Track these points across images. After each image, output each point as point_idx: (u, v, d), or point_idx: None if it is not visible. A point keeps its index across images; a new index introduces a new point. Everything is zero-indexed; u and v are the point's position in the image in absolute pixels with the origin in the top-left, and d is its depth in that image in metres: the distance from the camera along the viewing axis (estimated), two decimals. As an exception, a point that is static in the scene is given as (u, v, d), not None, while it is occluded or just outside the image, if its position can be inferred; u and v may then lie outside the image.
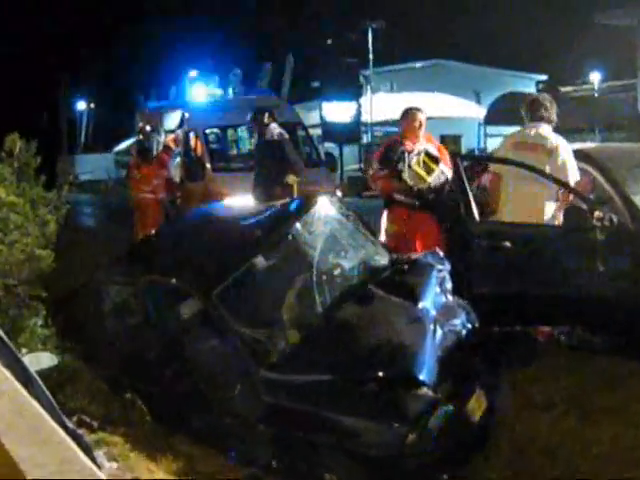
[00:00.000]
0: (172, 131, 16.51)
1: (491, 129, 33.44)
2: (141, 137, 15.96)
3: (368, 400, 5.66)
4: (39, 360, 5.52)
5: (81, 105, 52.79)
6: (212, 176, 15.05)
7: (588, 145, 10.56)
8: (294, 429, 5.88)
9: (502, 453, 6.09)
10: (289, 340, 6.32)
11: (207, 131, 16.32)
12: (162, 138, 16.37)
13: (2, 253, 7.32)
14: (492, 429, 6.32)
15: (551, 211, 7.67)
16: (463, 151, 30.46)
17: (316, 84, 35.49)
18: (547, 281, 7.34)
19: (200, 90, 18.78)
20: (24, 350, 6.73)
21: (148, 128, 15.76)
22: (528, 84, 41.85)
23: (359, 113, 31.94)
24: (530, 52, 47.75)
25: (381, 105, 33.87)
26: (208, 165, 15.26)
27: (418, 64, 44.90)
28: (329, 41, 36.39)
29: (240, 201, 11.65)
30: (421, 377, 5.65)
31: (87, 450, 3.74)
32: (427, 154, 8.55)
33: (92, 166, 40.03)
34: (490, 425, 6.29)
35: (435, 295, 6.72)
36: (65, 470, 2.45)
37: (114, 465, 5.72)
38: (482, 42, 47.01)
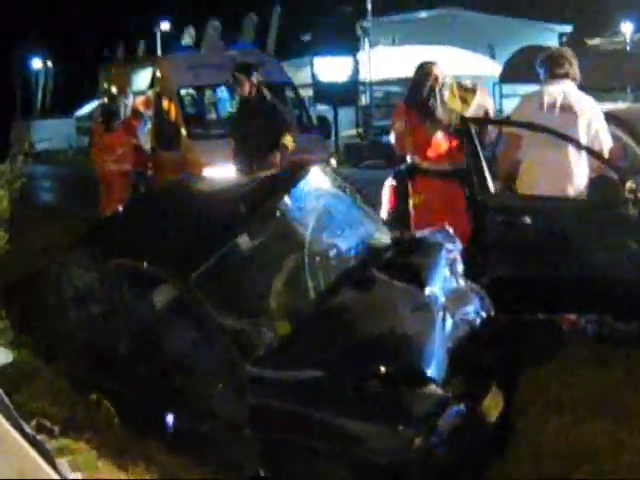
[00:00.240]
0: (142, 92, 16.47)
1: (507, 88, 33.32)
2: (106, 100, 15.95)
3: (369, 399, 5.65)
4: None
5: (36, 63, 52.53)
6: (188, 144, 15.04)
7: (619, 106, 10.56)
8: (284, 433, 5.88)
9: (522, 458, 6.11)
10: (278, 331, 6.32)
11: (182, 92, 16.29)
12: (130, 101, 16.33)
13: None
14: (510, 431, 6.34)
15: (582, 183, 7.65)
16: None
17: (307, 37, 35.39)
18: (572, 262, 7.34)
19: (173, 45, 18.76)
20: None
21: (114, 89, 15.73)
22: (550, 36, 41.84)
23: (356, 71, 31.76)
24: (552, -1, 47.61)
25: (381, 61, 33.77)
26: (183, 131, 15.25)
27: (423, 14, 44.81)
28: (321, -13, 36.25)
29: (220, 172, 11.64)
30: (429, 372, 5.66)
31: (48, 458, 3.75)
32: (459, 84, 8.60)
33: (50, 133, 39.87)
34: (508, 427, 6.32)
35: (444, 279, 6.73)
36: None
37: (79, 475, 5.71)
38: (497, -13, 46.84)
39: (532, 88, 9.09)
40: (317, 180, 7.55)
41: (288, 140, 10.69)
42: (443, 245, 7.04)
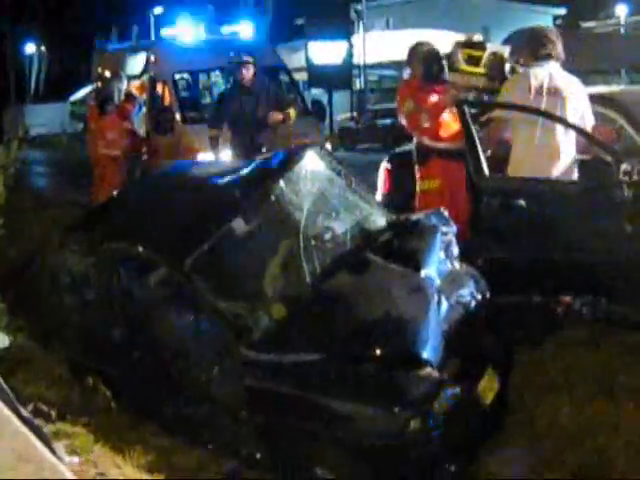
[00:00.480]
0: (135, 77, 16.43)
1: (502, 71, 33.21)
2: (100, 84, 15.89)
3: (364, 382, 5.65)
4: (-11, 340, 5.54)
5: (30, 48, 52.30)
6: (182, 128, 15.03)
7: (613, 88, 10.53)
8: (280, 416, 5.89)
9: (518, 440, 6.13)
10: (273, 315, 6.32)
11: (176, 76, 16.25)
12: (124, 85, 16.28)
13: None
14: (506, 413, 6.36)
15: (570, 165, 7.66)
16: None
17: (300, 21, 35.27)
18: (566, 245, 7.35)
19: (168, 30, 18.71)
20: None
21: (108, 74, 15.68)
22: (544, 19, 41.70)
23: (350, 54, 31.71)
24: (546, -19, 47.45)
25: (375, 45, 33.69)
26: (178, 116, 15.24)
27: (418, -4, 44.62)
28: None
29: (215, 156, 11.62)
30: (424, 355, 5.66)
31: (46, 442, 3.75)
32: (465, 45, 8.56)
33: (44, 118, 39.69)
34: (504, 409, 6.33)
35: (439, 261, 6.73)
36: (22, 465, 2.45)
37: (75, 459, 5.73)
38: (491, -31, 46.64)
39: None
40: (312, 163, 7.52)
41: (292, 112, 11.33)
42: (438, 228, 7.04)
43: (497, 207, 7.62)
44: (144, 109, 15.81)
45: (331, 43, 30.57)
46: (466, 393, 5.81)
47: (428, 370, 5.64)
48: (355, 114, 31.61)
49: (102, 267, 7.11)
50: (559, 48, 7.80)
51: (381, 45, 32.88)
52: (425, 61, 8.89)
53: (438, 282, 6.45)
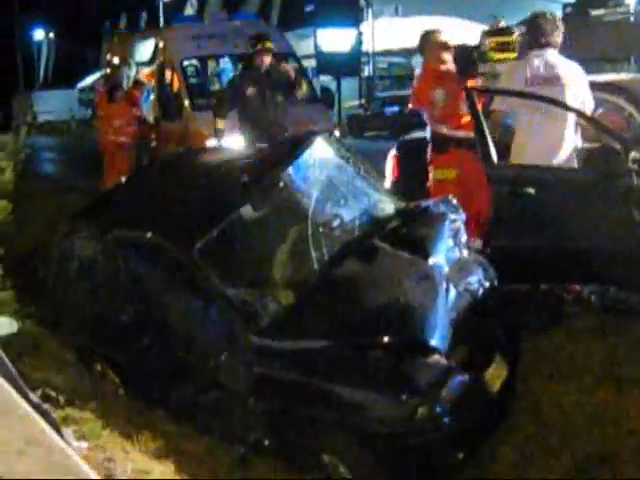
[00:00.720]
0: (144, 63, 16.42)
1: (511, 59, 33.11)
2: (108, 71, 15.89)
3: (372, 369, 5.65)
4: (-2, 325, 5.54)
5: (39, 34, 52.33)
6: (191, 115, 15.00)
7: (622, 76, 10.50)
8: (288, 403, 5.90)
9: (525, 428, 6.13)
10: (282, 301, 6.33)
11: (185, 63, 16.23)
12: (133, 72, 16.29)
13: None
14: (513, 401, 6.36)
15: (571, 153, 7.63)
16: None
17: (310, 8, 35.17)
18: (576, 233, 7.33)
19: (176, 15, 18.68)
20: (-22, 315, 6.75)
21: (116, 60, 15.67)
22: (554, 7, 41.50)
23: (359, 42, 31.61)
24: (556, -31, 47.21)
25: (384, 32, 33.58)
26: (186, 102, 15.21)
27: (427, -16, 44.46)
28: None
29: (224, 142, 11.61)
30: (432, 342, 5.67)
31: (55, 427, 3.76)
32: (492, 33, 8.51)
33: (53, 105, 39.75)
34: (511, 396, 6.33)
35: (448, 249, 6.72)
36: (32, 449, 2.47)
37: (84, 445, 5.74)
38: (501, -43, 46.45)
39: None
40: (321, 150, 7.51)
41: (301, 92, 11.74)
42: (447, 215, 7.02)
43: (506, 195, 7.59)
44: (152, 96, 15.79)
45: (340, 30, 30.46)
46: (474, 381, 5.80)
47: (436, 357, 5.65)
48: (364, 101, 31.54)
49: (110, 253, 7.12)
50: (558, 35, 7.74)
51: (390, 32, 32.74)
52: (458, 59, 8.80)
53: (446, 270, 6.44)
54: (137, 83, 15.68)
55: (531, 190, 7.42)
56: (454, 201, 7.30)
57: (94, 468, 4.42)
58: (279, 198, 7.09)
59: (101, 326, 7.18)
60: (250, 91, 11.19)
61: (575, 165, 7.64)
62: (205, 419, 6.42)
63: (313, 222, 6.79)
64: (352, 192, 7.34)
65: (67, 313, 7.52)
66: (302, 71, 17.62)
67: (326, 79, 31.18)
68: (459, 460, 5.69)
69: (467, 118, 8.40)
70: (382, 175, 8.85)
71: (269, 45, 11.29)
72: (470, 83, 8.50)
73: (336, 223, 7.00)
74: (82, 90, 40.33)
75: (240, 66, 13.04)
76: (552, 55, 7.68)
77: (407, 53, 31.47)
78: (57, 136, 32.82)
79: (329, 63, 30.33)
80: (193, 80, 17.06)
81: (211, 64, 17.77)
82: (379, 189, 7.69)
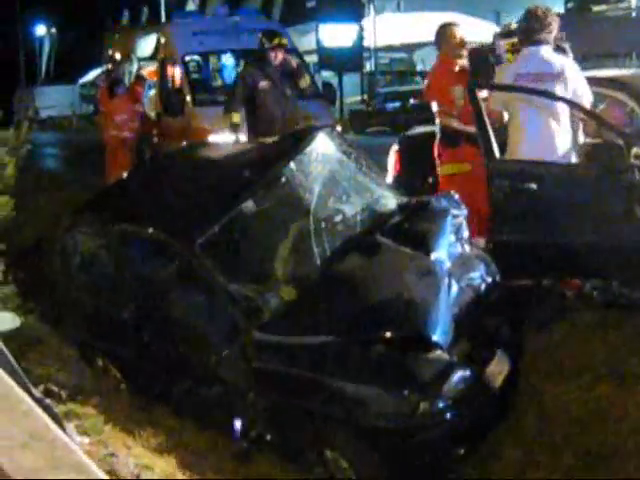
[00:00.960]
0: (145, 59, 16.41)
1: (512, 54, 33.06)
2: (110, 66, 15.88)
3: (374, 364, 5.66)
4: (0, 320, 5.55)
5: (40, 30, 52.33)
6: (193, 110, 14.99)
7: (624, 72, 10.49)
8: (290, 398, 5.91)
9: (526, 424, 6.13)
10: (284, 297, 6.33)
11: (187, 58, 16.22)
12: (135, 67, 16.29)
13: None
14: (515, 397, 6.36)
15: (569, 149, 7.61)
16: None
17: (311, 3, 35.16)
18: (577, 228, 7.33)
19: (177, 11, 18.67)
20: (-20, 311, 6.75)
21: (118, 56, 15.67)
22: (556, 2, 41.49)
23: (361, 37, 31.61)
24: (558, -36, 47.14)
25: (386, 27, 33.56)
26: (188, 98, 15.20)
27: (428, -21, 44.42)
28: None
29: (226, 138, 11.60)
30: (434, 337, 5.66)
31: (57, 422, 3.76)
32: (505, 35, 8.46)
33: (54, 100, 39.82)
34: (513, 392, 6.33)
35: (450, 244, 6.71)
36: (34, 443, 2.47)
37: (86, 440, 5.75)
38: (503, -49, 46.35)
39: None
40: (323, 145, 7.49)
41: (303, 82, 11.71)
42: (449, 211, 7.01)
43: (507, 190, 7.59)
44: (152, 90, 15.78)
45: (342, 26, 30.47)
46: (476, 376, 5.80)
47: (438, 353, 5.65)
48: (365, 97, 31.54)
49: (112, 248, 7.13)
50: (552, 31, 7.68)
51: (392, 28, 32.73)
52: (473, 63, 8.71)
53: (448, 265, 6.43)
54: (139, 78, 15.67)
55: (533, 185, 7.42)
56: (456, 196, 7.29)
57: (96, 463, 4.42)
58: (281, 193, 7.08)
59: (103, 321, 7.18)
60: (263, 85, 11.18)
61: (573, 161, 7.63)
62: (207, 414, 6.42)
63: (315, 217, 6.78)
64: (354, 187, 7.33)
65: (69, 308, 7.52)
66: (304, 66, 17.62)
67: (328, 75, 31.19)
68: (460, 455, 5.70)
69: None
70: (384, 170, 8.83)
71: (285, 42, 11.35)
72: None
73: (338, 218, 6.99)
74: (84, 85, 40.38)
75: (243, 62, 13.00)
76: (546, 51, 7.64)
77: (409, 49, 31.49)
78: (59, 131, 32.83)
79: (331, 59, 30.34)
80: (195, 76, 17.04)
81: (213, 60, 17.73)
82: (381, 184, 7.68)
